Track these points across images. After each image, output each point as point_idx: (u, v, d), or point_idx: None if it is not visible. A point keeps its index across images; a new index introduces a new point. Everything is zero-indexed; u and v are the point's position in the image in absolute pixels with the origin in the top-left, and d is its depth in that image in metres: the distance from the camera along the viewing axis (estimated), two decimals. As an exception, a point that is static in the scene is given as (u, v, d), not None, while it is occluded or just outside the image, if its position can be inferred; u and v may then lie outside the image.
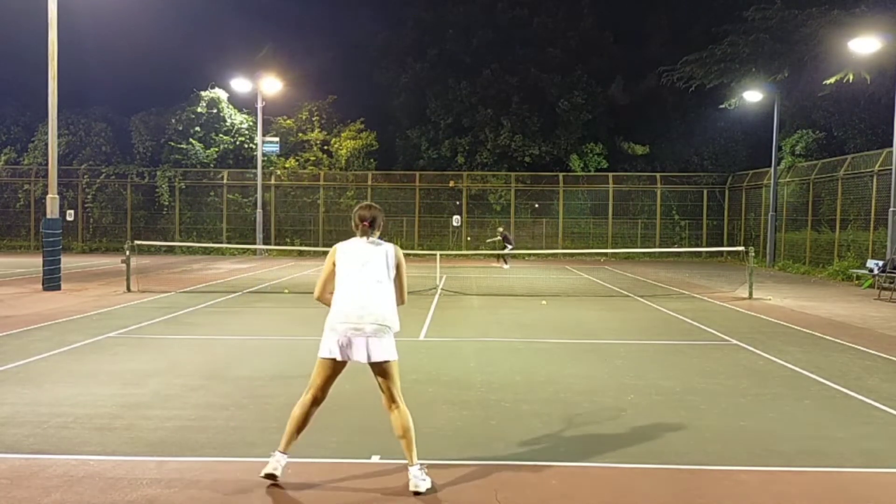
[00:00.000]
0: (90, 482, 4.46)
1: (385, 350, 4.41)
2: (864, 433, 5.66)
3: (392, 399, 4.48)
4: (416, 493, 4.28)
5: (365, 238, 4.57)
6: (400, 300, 4.64)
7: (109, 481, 4.48)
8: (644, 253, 29.33)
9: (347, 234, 4.89)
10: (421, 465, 4.42)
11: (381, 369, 4.45)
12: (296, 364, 8.06)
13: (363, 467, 4.80)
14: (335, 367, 4.49)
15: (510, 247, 24.64)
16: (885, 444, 5.42)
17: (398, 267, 4.58)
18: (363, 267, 4.46)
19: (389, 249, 4.58)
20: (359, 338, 4.37)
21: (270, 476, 4.41)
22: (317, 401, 4.56)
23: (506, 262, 24.65)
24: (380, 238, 4.67)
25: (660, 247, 29.91)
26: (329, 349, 4.43)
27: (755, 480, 4.62)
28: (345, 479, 4.60)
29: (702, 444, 5.32)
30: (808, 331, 10.79)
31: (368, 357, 4.38)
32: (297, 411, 4.52)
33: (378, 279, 4.46)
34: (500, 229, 25.74)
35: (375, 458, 4.93)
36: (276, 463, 4.45)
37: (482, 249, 26.00)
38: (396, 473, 4.69)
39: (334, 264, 4.56)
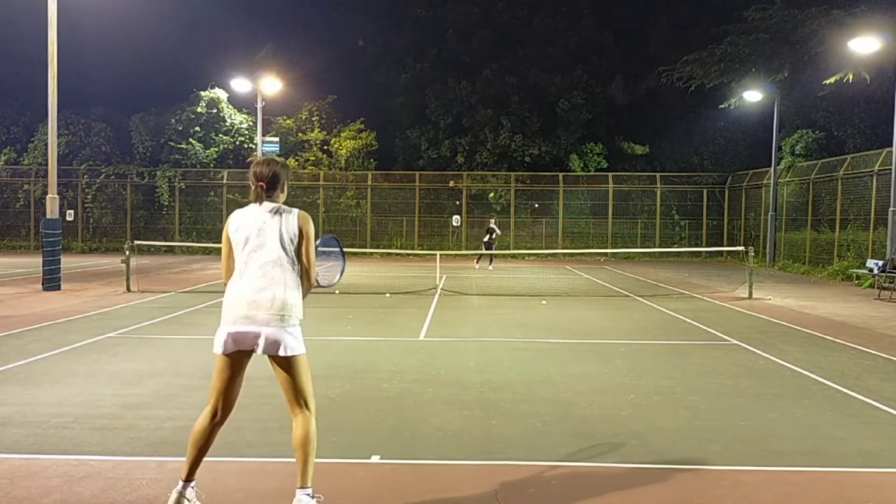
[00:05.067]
0: (90, 482, 4.45)
1: (286, 343, 3.71)
2: (864, 433, 5.66)
3: (295, 401, 3.82)
4: None
5: (259, 204, 3.86)
6: (305, 281, 3.86)
7: (109, 481, 4.48)
8: (644, 253, 29.33)
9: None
10: (313, 493, 3.82)
11: (281, 364, 3.78)
12: (296, 364, 8.05)
13: (363, 467, 4.79)
14: (233, 365, 3.80)
15: (493, 246, 23.15)
16: (885, 444, 5.41)
17: (302, 238, 3.82)
18: (257, 242, 3.76)
19: (292, 217, 3.83)
20: (252, 328, 3.68)
21: None
22: (216, 414, 3.83)
23: (489, 263, 23.60)
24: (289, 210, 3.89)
25: (660, 247, 29.91)
26: (221, 343, 3.75)
27: (755, 480, 4.62)
28: (345, 479, 4.60)
29: (702, 444, 5.32)
30: (808, 331, 10.79)
31: (265, 350, 3.71)
32: (197, 426, 3.82)
33: (275, 257, 3.74)
34: (492, 222, 24.07)
35: (375, 458, 4.93)
36: (178, 496, 3.80)
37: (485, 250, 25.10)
38: (396, 473, 4.69)
39: (229, 240, 3.84)
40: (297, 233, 3.80)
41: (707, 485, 4.54)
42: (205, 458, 4.89)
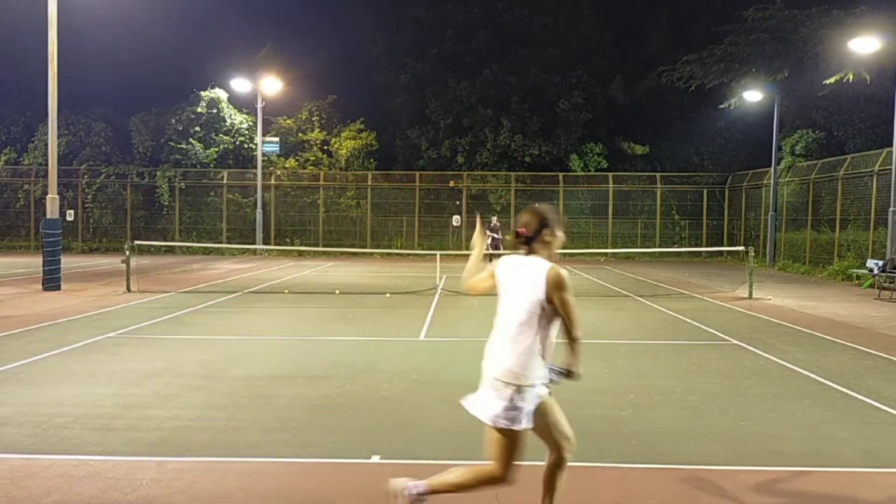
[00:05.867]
0: (90, 482, 4.45)
1: (497, 412, 3.44)
2: (864, 433, 5.66)
3: (490, 457, 3.59)
4: None
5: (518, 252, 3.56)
6: (569, 338, 3.60)
7: (109, 481, 4.48)
8: (644, 253, 29.32)
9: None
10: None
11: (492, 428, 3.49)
12: (296, 364, 8.06)
13: (363, 467, 4.79)
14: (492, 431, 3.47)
15: (500, 246, 22.28)
16: (885, 444, 5.42)
17: (552, 302, 3.44)
18: (507, 296, 3.52)
19: (540, 277, 3.41)
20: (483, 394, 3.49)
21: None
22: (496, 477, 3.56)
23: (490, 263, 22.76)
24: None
25: (660, 247, 29.90)
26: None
27: (755, 480, 4.62)
28: (345, 479, 4.60)
29: (702, 444, 5.32)
30: (808, 331, 10.78)
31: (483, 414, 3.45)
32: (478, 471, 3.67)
33: (516, 318, 3.45)
34: (494, 219, 23.26)
35: (375, 458, 4.93)
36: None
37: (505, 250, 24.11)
38: (396, 473, 4.69)
39: (493, 276, 3.64)
40: (543, 296, 3.40)
41: (707, 485, 4.54)
42: (205, 459, 4.91)
